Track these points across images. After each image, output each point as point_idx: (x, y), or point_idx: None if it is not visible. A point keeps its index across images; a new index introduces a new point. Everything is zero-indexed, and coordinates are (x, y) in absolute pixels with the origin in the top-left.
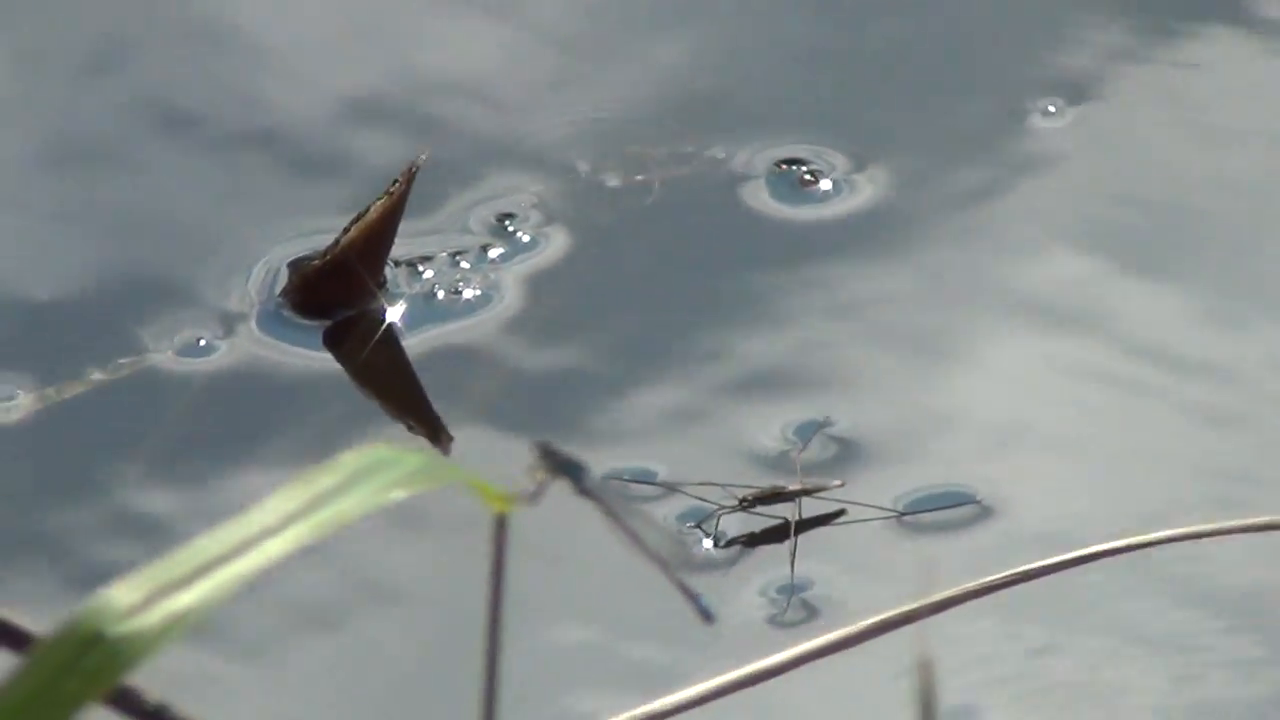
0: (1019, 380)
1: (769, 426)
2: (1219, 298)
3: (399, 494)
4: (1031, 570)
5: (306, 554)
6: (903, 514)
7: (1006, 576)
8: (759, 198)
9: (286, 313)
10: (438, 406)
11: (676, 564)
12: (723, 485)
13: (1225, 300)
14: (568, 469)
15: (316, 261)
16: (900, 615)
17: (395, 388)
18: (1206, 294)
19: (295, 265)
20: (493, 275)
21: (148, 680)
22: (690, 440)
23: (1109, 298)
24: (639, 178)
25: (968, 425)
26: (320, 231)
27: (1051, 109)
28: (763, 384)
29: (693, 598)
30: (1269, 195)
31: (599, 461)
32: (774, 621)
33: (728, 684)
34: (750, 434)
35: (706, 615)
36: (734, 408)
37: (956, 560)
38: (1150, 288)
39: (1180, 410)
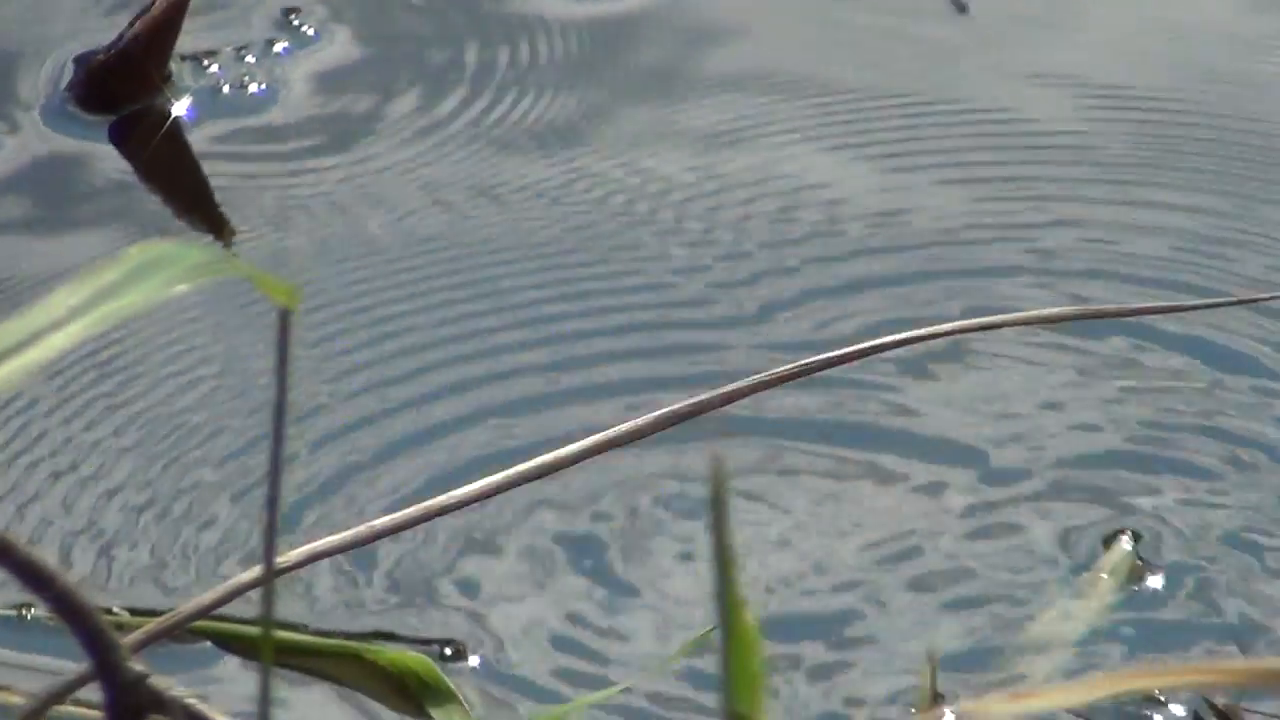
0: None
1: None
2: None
3: (182, 287)
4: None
5: None
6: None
7: (805, 364)
8: None
9: (72, 108)
10: (221, 200)
11: None
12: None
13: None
14: None
15: (101, 56)
16: (691, 405)
17: (180, 182)
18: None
19: (81, 60)
20: (278, 70)
21: None
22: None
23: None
24: None
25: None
26: (106, 28)
27: None
28: (561, 138)
29: None
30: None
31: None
32: None
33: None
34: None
35: None
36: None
37: None
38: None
39: None
